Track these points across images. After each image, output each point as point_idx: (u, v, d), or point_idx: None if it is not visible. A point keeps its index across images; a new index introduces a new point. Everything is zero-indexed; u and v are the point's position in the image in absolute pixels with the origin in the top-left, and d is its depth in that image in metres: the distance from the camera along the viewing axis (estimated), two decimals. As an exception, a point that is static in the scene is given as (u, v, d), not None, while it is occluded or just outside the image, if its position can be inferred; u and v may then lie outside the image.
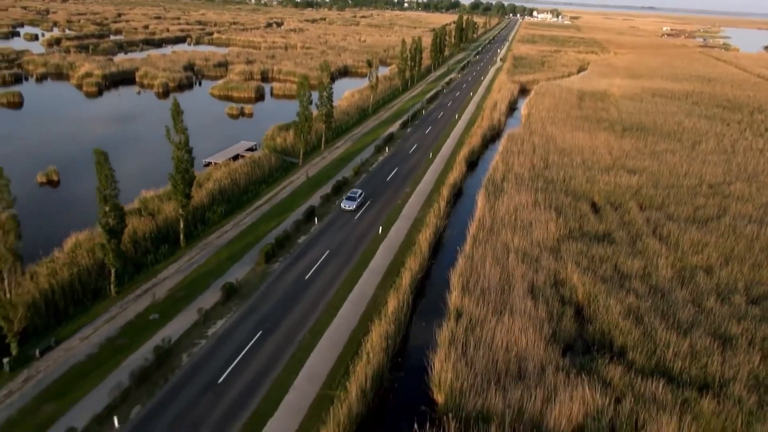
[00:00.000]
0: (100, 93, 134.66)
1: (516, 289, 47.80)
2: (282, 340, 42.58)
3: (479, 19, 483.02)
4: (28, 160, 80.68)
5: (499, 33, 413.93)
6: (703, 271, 54.50)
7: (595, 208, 70.22)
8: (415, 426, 32.61)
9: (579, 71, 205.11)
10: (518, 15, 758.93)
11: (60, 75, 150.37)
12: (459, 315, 43.63)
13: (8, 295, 37.20)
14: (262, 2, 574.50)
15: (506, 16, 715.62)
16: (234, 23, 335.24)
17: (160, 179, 67.92)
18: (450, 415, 32.82)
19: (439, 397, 36.50)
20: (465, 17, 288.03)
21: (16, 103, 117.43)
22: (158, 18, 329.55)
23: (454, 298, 46.40)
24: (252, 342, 42.06)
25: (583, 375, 37.14)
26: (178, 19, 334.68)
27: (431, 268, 56.50)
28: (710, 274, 54.04)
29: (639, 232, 62.47)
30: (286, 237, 58.61)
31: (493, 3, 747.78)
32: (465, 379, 36.18)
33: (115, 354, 39.99)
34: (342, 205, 66.88)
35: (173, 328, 42.79)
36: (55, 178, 74.83)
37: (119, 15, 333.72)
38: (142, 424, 33.81)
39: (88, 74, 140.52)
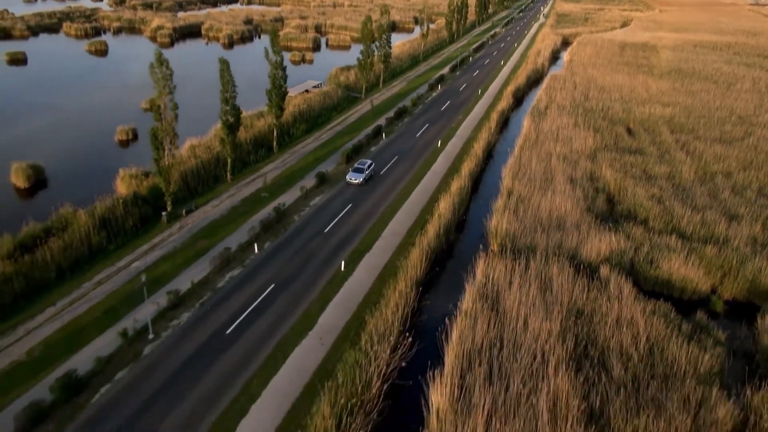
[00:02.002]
0: (171, 44, 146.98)
1: (557, 178, 57.58)
2: (368, 211, 53.64)
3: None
4: (131, 93, 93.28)
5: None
6: (723, 175, 62.87)
7: (629, 131, 78.57)
8: (480, 247, 43.31)
9: (622, 26, 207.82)
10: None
11: (132, 29, 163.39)
12: (510, 193, 53.81)
13: (167, 162, 49.00)
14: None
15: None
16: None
17: (246, 104, 79.09)
18: (507, 240, 43.38)
19: (495, 244, 46.93)
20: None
21: (103, 51, 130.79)
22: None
23: (505, 182, 56.63)
24: (344, 210, 53.25)
25: (610, 226, 47.17)
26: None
27: (484, 171, 66.58)
28: (728, 177, 62.35)
29: (668, 148, 70.90)
30: (360, 146, 69.47)
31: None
32: (516, 228, 46.57)
33: (241, 215, 51.72)
34: (347, 177, 59.51)
35: (282, 200, 54.23)
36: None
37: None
38: (273, 252, 45.50)
39: (160, 27, 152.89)
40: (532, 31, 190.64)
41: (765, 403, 29.38)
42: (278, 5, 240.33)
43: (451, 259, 47.61)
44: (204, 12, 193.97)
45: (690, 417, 27.83)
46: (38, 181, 58.94)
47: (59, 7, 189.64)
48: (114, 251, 45.03)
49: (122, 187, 55.83)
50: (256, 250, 45.35)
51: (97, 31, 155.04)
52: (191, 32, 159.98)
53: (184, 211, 51.46)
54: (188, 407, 29.90)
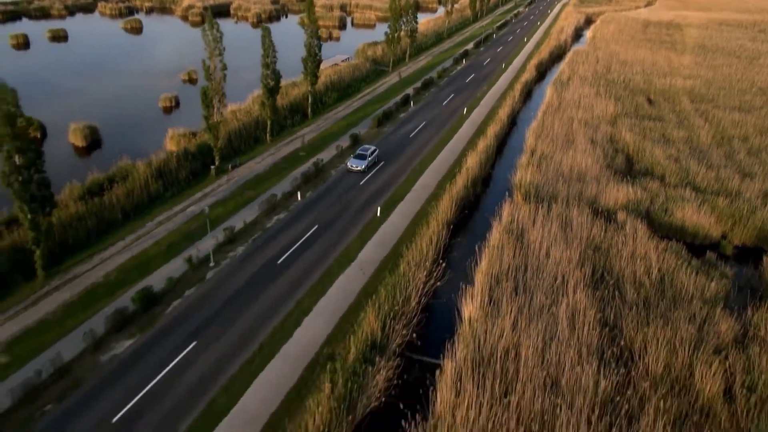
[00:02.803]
0: (202, 22, 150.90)
1: (578, 140, 60.67)
2: (400, 168, 57.45)
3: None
4: (170, 66, 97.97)
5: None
6: (739, 139, 65.28)
7: (650, 101, 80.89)
8: (506, 194, 46.90)
9: (646, 5, 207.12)
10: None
11: (164, 9, 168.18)
12: (533, 151, 57.15)
13: (216, 119, 53.22)
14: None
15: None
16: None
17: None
18: (531, 188, 46.94)
19: (519, 194, 50.33)
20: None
21: (138, 29, 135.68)
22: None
23: (529, 142, 59.93)
24: (378, 167, 57.11)
25: (628, 179, 50.39)
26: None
27: (508, 135, 69.88)
28: (745, 141, 64.75)
29: (687, 116, 73.31)
30: (390, 113, 73.16)
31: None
32: (539, 180, 50.01)
33: (282, 170, 55.90)
34: (348, 164, 56.09)
35: (319, 158, 58.19)
36: (194, 77, 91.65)
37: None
38: (315, 200, 49.65)
39: (191, 6, 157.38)
40: (555, 10, 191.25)
41: (764, 320, 32.72)
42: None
43: (477, 211, 51.22)
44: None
45: (695, 328, 31.32)
46: (94, 140, 63.74)
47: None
48: (170, 198, 49.54)
49: (171, 145, 60.35)
50: (299, 198, 49.57)
51: (130, 11, 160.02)
52: (220, 11, 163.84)
53: (230, 166, 55.78)
54: (250, 318, 34.24)
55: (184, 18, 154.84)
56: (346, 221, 46.35)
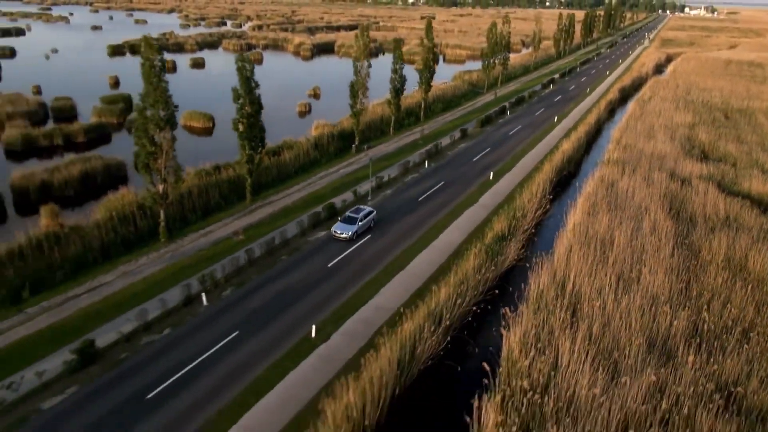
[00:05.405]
0: (312, 57, 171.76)
1: (658, 136, 70.67)
2: (503, 153, 69.51)
3: (626, 13, 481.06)
4: (293, 86, 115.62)
5: (646, 24, 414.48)
6: (810, 144, 72.99)
7: (726, 117, 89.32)
8: (596, 164, 57.82)
9: (729, 48, 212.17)
10: (668, 11, 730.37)
11: (276, 46, 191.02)
12: (618, 141, 67.74)
13: (359, 108, 67.50)
14: (410, 2, 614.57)
15: (654, 13, 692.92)
16: (391, 17, 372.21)
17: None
18: (617, 162, 57.66)
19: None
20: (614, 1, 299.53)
21: (259, 60, 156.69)
22: (326, 13, 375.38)
23: (614, 136, 70.55)
24: (485, 151, 69.39)
25: (702, 159, 60.00)
26: (342, 12, 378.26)
27: (594, 139, 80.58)
28: (815, 146, 72.42)
29: (761, 127, 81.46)
30: (490, 118, 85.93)
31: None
32: (625, 157, 60.54)
33: (407, 151, 69.14)
34: (333, 229, 44.46)
35: (437, 142, 71.06)
36: (318, 92, 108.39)
37: (293, 12, 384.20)
38: (437, 168, 62.42)
39: (301, 44, 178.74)
40: (637, 51, 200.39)
41: (810, 241, 41.68)
42: (395, 30, 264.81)
43: (570, 186, 62.12)
44: (332, 35, 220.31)
45: (752, 240, 40.85)
46: (253, 129, 79.60)
47: (212, 30, 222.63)
48: (325, 163, 63.70)
49: (316, 132, 75.11)
50: (426, 165, 62.42)
51: (249, 47, 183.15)
52: (326, 49, 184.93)
53: (365, 147, 69.68)
54: (404, 226, 46.82)
55: (296, 53, 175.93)
56: (466, 181, 58.61)
